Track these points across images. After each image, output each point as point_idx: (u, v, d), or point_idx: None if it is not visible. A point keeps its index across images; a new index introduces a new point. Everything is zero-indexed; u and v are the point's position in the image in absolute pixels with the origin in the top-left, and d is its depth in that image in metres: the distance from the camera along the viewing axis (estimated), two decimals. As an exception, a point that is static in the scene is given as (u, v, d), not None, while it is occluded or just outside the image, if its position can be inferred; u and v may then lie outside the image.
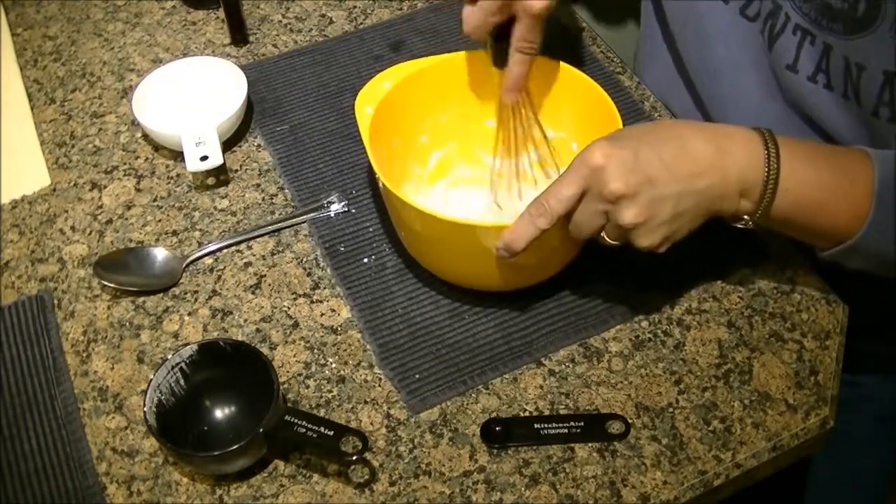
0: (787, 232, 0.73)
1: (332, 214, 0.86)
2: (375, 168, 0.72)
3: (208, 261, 0.83)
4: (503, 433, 0.71)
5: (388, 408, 0.73)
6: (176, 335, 0.78)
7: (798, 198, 0.68)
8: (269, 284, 0.81)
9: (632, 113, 0.93)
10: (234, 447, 0.66)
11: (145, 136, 0.94)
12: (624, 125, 0.75)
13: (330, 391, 0.74)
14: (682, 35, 0.93)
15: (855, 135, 0.78)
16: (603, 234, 0.69)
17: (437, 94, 0.83)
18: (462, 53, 0.82)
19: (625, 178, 0.65)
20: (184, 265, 0.83)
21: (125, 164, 0.92)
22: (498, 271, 0.74)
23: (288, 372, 0.75)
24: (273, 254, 0.84)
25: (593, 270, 0.79)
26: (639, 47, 1.05)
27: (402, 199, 0.71)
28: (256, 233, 0.85)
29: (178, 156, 0.91)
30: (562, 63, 0.81)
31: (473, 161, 0.87)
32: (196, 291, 0.81)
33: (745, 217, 0.70)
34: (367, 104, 0.78)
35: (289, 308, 0.79)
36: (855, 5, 0.71)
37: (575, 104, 0.81)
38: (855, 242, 0.69)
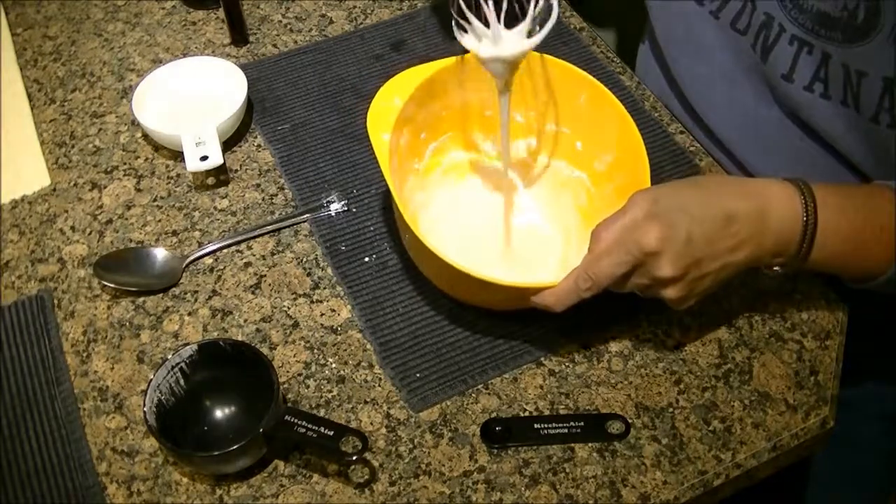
0: (816, 271, 0.74)
1: (332, 213, 0.86)
2: (397, 202, 0.71)
3: (208, 261, 0.83)
4: (503, 433, 0.71)
5: (388, 408, 0.73)
6: (176, 335, 0.78)
7: (830, 251, 0.69)
8: (269, 284, 0.81)
9: (632, 113, 0.92)
10: (234, 447, 0.66)
11: (145, 136, 0.94)
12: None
13: (330, 391, 0.74)
14: (670, 50, 0.94)
15: (853, 140, 0.79)
16: (638, 292, 0.70)
17: (442, 97, 0.82)
18: (468, 55, 0.81)
19: (676, 262, 0.65)
20: (184, 265, 0.83)
21: (125, 164, 0.92)
22: (507, 304, 0.75)
23: (288, 372, 0.75)
24: (273, 254, 0.84)
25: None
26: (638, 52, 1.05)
27: (422, 242, 0.69)
28: (256, 233, 0.85)
29: (178, 156, 0.91)
30: (585, 73, 0.80)
31: (469, 147, 0.86)
32: (196, 291, 0.81)
33: (776, 268, 0.71)
34: (382, 130, 0.75)
35: (289, 308, 0.80)
36: (854, 13, 0.71)
37: (591, 113, 0.80)
38: (884, 280, 0.71)
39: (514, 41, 0.73)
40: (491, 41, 0.73)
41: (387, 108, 0.77)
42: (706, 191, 0.69)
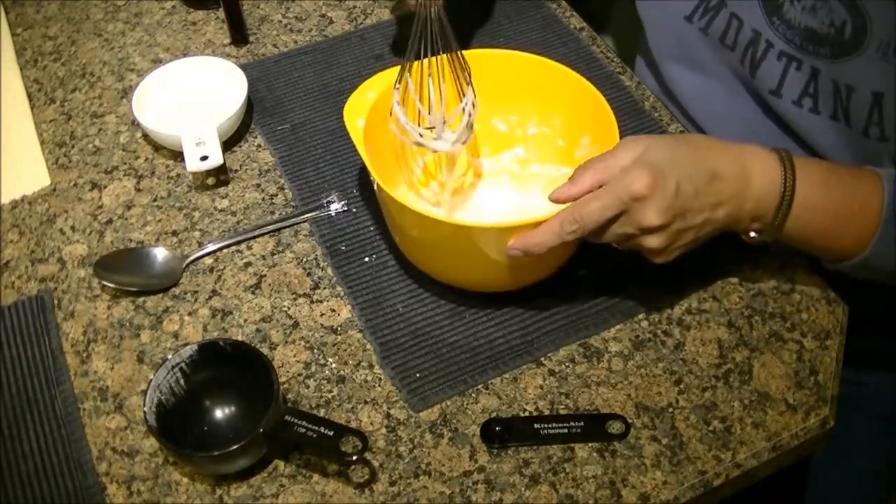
0: (794, 246, 0.74)
1: (332, 214, 0.86)
2: (374, 176, 0.72)
3: (208, 261, 0.83)
4: (503, 433, 0.71)
5: (388, 408, 0.73)
6: (176, 335, 0.78)
7: (807, 223, 0.70)
8: (269, 284, 0.81)
9: (632, 113, 0.93)
10: (234, 447, 0.66)
11: (145, 136, 0.94)
12: (621, 124, 0.75)
13: (330, 391, 0.74)
14: (666, 65, 0.95)
15: (844, 153, 0.80)
16: (616, 243, 0.70)
17: (420, 100, 0.83)
18: (442, 57, 0.82)
19: (664, 212, 0.66)
20: (184, 265, 0.83)
21: (125, 164, 0.92)
22: (495, 273, 0.74)
23: (288, 372, 0.75)
24: (273, 254, 0.84)
25: (593, 270, 0.79)
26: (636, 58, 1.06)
27: (400, 203, 0.71)
28: (256, 233, 0.85)
29: (178, 156, 0.91)
30: (554, 63, 0.81)
31: (456, 164, 0.87)
32: (196, 291, 0.81)
33: (753, 235, 0.72)
34: (358, 116, 0.78)
35: (289, 308, 0.79)
36: (842, 29, 0.72)
37: (565, 102, 0.81)
38: (859, 261, 0.71)
39: (453, 139, 0.79)
40: (438, 140, 0.79)
41: (362, 101, 0.79)
42: (695, 148, 0.70)
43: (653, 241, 0.68)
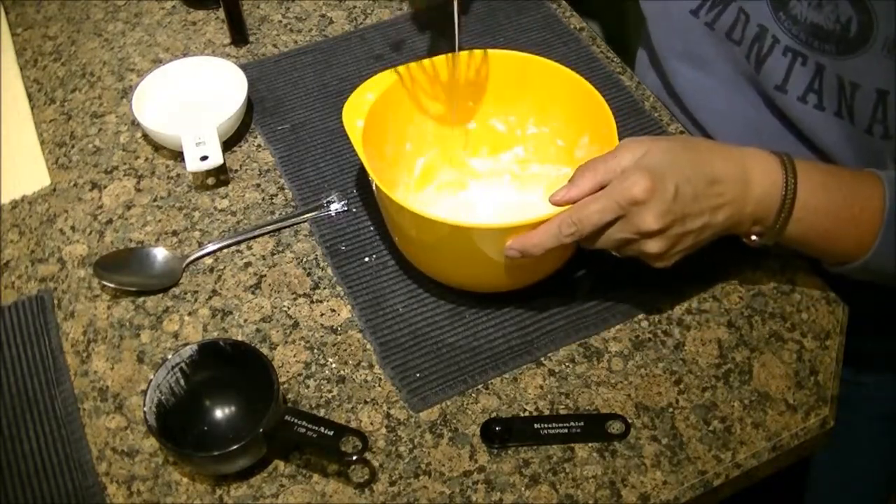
0: (795, 249, 0.75)
1: (332, 214, 0.86)
2: (373, 177, 0.72)
3: (208, 261, 0.83)
4: (503, 433, 0.71)
5: (388, 408, 0.73)
6: (176, 335, 0.78)
7: (808, 226, 0.70)
8: (269, 284, 0.81)
9: (632, 113, 0.93)
10: (234, 447, 0.66)
11: (145, 136, 0.94)
12: (620, 124, 0.75)
13: (330, 391, 0.74)
14: (668, 61, 0.95)
15: (847, 150, 0.80)
16: (616, 249, 0.70)
17: (418, 101, 0.83)
18: (440, 58, 0.82)
19: (662, 216, 0.66)
20: (184, 265, 0.83)
21: (125, 164, 0.92)
22: (494, 273, 0.74)
23: (288, 372, 0.75)
24: (273, 254, 0.84)
25: (593, 270, 0.79)
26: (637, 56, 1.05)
27: (398, 204, 0.71)
28: (256, 233, 0.85)
29: (178, 156, 0.91)
30: (552, 62, 0.81)
31: (456, 165, 0.87)
32: (196, 291, 0.81)
33: (755, 238, 0.72)
34: (357, 117, 0.78)
35: (289, 308, 0.80)
36: (847, 26, 0.72)
37: (564, 102, 0.81)
38: (861, 264, 0.71)
39: None
40: None
41: (361, 101, 0.79)
42: (695, 151, 0.70)
43: (652, 246, 0.68)
